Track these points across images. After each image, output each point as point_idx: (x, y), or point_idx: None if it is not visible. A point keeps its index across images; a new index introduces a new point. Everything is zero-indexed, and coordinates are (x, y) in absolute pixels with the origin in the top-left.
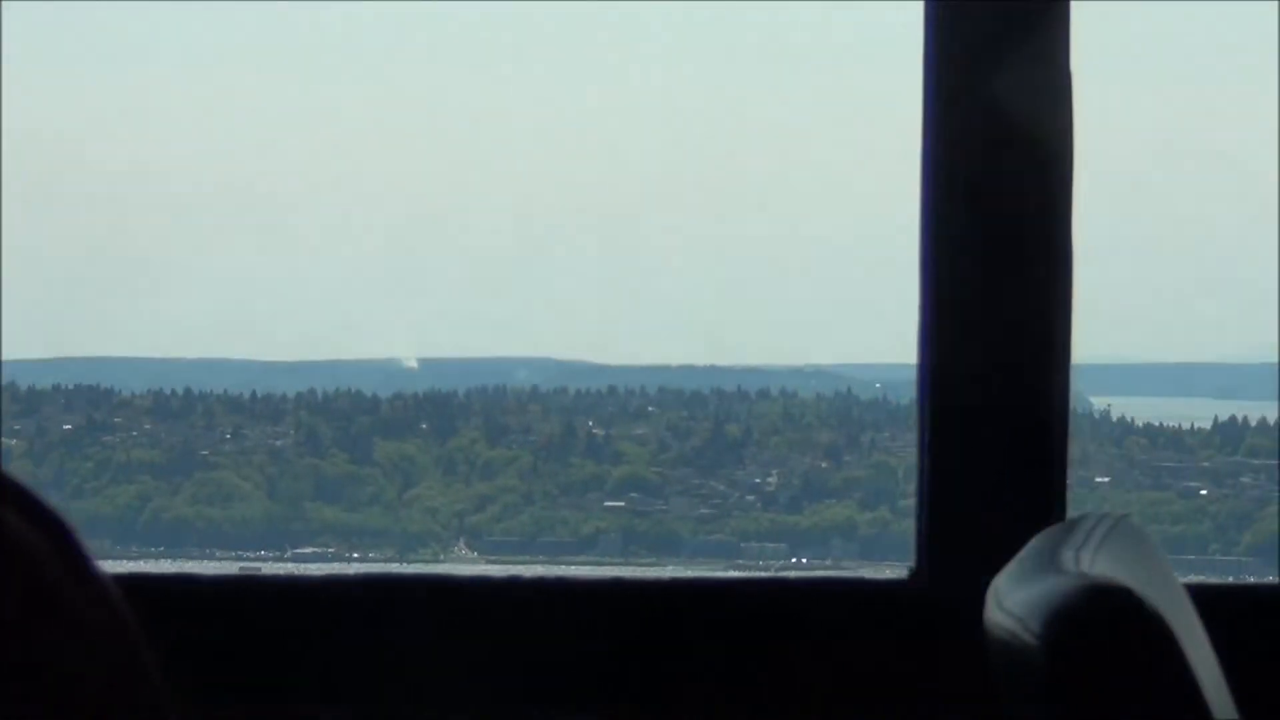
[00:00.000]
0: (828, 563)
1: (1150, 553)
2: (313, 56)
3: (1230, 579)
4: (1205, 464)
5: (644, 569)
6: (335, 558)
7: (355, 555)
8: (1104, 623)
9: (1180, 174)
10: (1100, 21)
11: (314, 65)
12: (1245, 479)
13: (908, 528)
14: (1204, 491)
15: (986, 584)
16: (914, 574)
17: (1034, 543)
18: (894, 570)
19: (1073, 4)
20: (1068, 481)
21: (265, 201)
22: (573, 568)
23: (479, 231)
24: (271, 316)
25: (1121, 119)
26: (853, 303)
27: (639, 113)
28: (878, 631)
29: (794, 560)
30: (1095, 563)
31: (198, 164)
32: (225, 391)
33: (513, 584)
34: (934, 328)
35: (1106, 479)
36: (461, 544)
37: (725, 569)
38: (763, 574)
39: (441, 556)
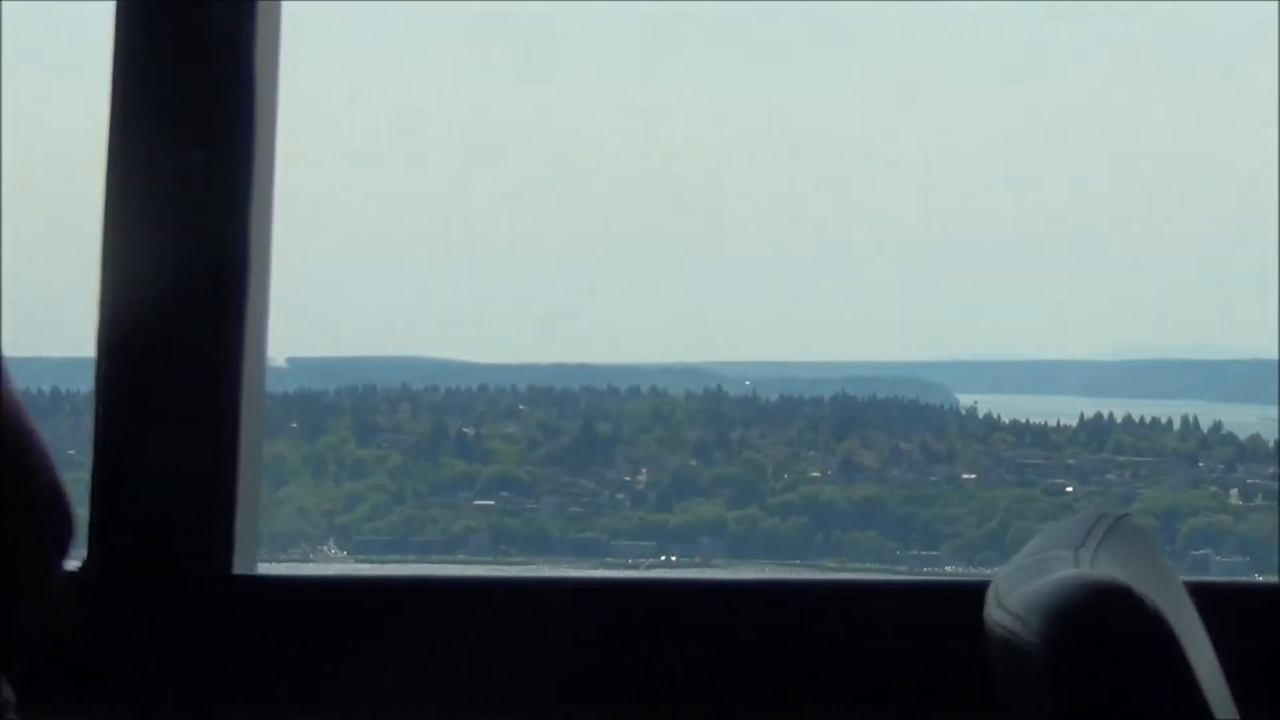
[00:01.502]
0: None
1: (1150, 552)
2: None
3: None
4: (1071, 461)
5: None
6: None
7: None
8: (1104, 622)
9: (1044, 170)
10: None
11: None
12: (1111, 476)
13: (776, 525)
14: (1070, 489)
15: (159, 574)
16: (85, 564)
17: (1034, 541)
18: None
19: (283, 5)
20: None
21: None
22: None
23: (346, 230)
24: None
25: (1001, 116)
26: (724, 301)
27: (500, 107)
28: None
29: (663, 558)
30: (1095, 561)
31: (70, 165)
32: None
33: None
34: (109, 314)
35: (973, 476)
36: (331, 543)
37: (595, 567)
38: None
39: (311, 556)
